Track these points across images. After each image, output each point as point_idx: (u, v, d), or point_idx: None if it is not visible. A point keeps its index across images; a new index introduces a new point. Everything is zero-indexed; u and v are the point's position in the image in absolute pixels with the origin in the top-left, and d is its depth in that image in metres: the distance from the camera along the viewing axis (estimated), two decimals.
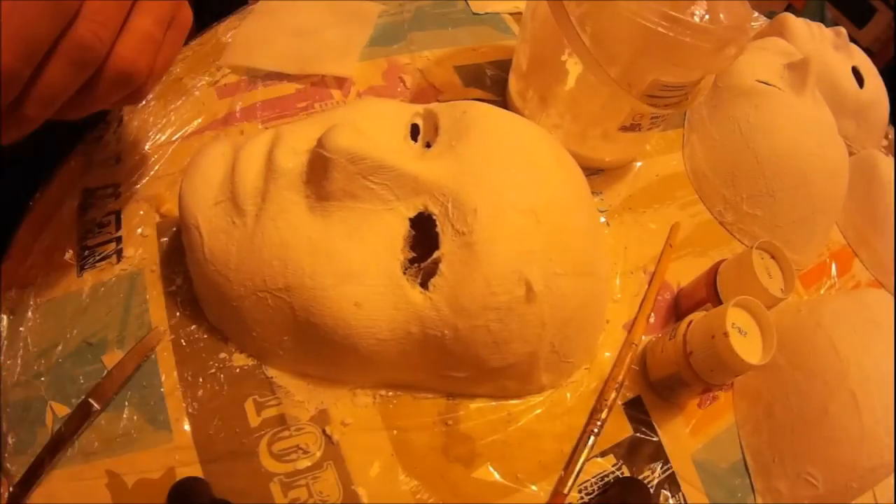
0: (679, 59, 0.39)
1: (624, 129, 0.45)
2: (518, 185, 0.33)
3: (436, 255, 0.32)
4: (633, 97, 0.40)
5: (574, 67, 0.43)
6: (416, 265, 0.33)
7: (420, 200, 0.33)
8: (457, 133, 0.35)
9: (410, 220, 0.33)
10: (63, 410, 0.33)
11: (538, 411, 0.38)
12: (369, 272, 0.32)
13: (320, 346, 0.33)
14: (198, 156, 0.35)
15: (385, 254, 0.32)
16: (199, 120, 0.46)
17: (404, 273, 0.32)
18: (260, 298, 0.32)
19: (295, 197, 0.32)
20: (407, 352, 0.33)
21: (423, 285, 0.32)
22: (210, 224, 0.33)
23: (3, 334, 0.34)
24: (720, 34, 0.37)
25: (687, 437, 0.41)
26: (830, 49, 0.64)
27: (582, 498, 0.36)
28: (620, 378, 0.40)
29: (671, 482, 0.39)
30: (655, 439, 0.40)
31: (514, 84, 0.51)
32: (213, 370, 0.35)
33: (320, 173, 0.31)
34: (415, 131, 0.37)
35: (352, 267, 0.31)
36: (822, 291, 0.54)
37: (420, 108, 0.38)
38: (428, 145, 0.36)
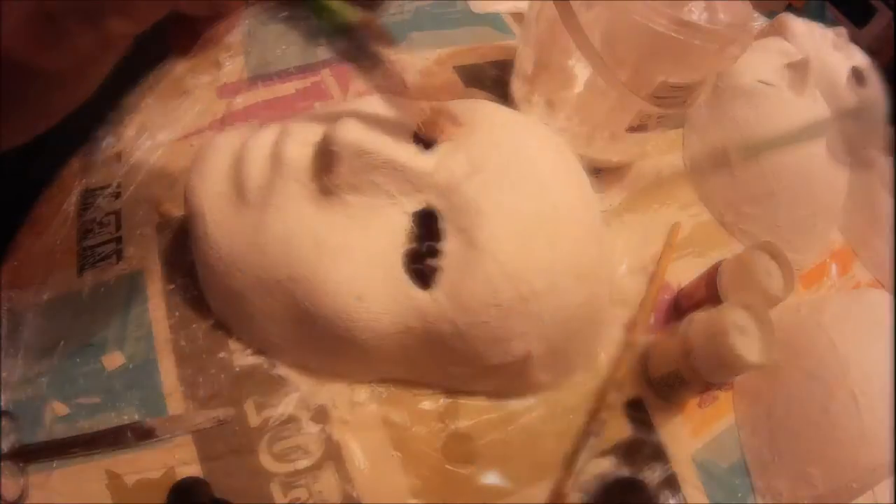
0: (687, 60, 0.39)
1: (631, 129, 0.45)
2: (522, 184, 0.33)
3: (438, 250, 0.32)
4: (642, 99, 0.40)
5: (582, 71, 0.43)
6: (418, 260, 0.33)
7: (424, 196, 0.33)
8: (463, 131, 0.35)
9: (414, 215, 0.33)
10: (63, 410, 0.33)
11: (538, 411, 0.38)
12: (372, 266, 0.32)
13: (321, 339, 0.33)
14: (206, 146, 0.35)
15: (388, 248, 0.32)
16: (199, 120, 0.46)
17: (407, 268, 0.32)
18: (263, 289, 0.33)
19: (300, 189, 0.32)
20: (407, 346, 0.33)
21: (426, 281, 0.32)
22: (216, 213, 0.33)
23: (3, 334, 0.34)
24: (726, 34, 0.37)
25: (687, 437, 0.41)
26: (830, 49, 0.64)
27: (582, 498, 0.36)
28: (620, 378, 0.40)
29: (671, 482, 0.39)
30: (655, 439, 0.40)
31: (518, 87, 0.51)
32: (213, 370, 0.35)
33: (326, 167, 0.31)
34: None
35: (354, 260, 0.32)
36: (822, 291, 0.54)
37: (427, 105, 0.38)
38: (435, 142, 0.36)
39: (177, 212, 0.40)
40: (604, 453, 0.38)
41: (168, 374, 0.35)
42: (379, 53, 0.30)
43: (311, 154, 0.32)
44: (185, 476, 0.32)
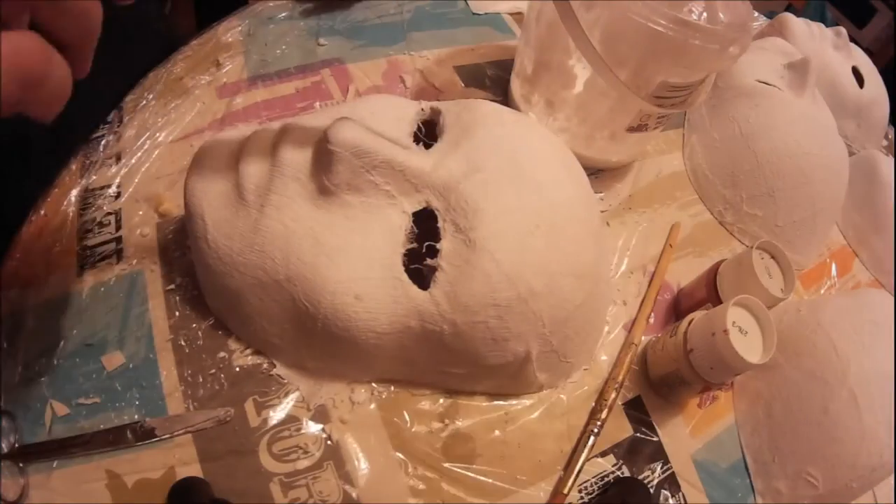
0: (687, 60, 0.39)
1: (631, 129, 0.45)
2: (521, 184, 0.33)
3: (437, 250, 0.32)
4: (642, 99, 0.40)
5: (582, 72, 0.43)
6: (417, 260, 0.33)
7: (423, 196, 0.33)
8: (462, 131, 0.35)
9: (413, 215, 0.33)
10: (63, 410, 0.33)
11: (538, 411, 0.38)
12: (370, 266, 0.32)
13: (320, 338, 0.33)
14: (205, 146, 0.35)
15: (386, 248, 0.32)
16: (199, 120, 0.46)
17: (405, 268, 0.32)
18: (262, 289, 0.33)
19: (299, 189, 0.32)
20: (406, 346, 0.33)
21: (425, 281, 0.32)
22: (215, 213, 0.33)
23: (3, 334, 0.34)
24: (726, 34, 0.37)
25: (687, 437, 0.41)
26: (830, 49, 0.64)
27: (582, 498, 0.36)
28: (620, 378, 0.40)
29: (671, 482, 0.39)
30: (655, 439, 0.40)
31: (517, 87, 0.51)
32: (213, 370, 0.35)
33: (325, 167, 0.31)
34: (420, 128, 0.37)
35: (353, 260, 0.32)
36: (822, 291, 0.54)
37: (426, 104, 0.38)
38: (434, 141, 0.36)
39: (177, 212, 0.40)
40: (604, 453, 0.38)
41: (168, 374, 0.35)
42: None
43: (310, 154, 0.32)
44: (185, 476, 0.32)
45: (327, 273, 0.31)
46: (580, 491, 0.36)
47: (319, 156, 0.32)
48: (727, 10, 0.39)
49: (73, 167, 0.42)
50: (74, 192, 0.40)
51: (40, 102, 0.20)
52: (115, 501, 0.31)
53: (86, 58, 0.21)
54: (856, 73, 0.65)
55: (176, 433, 0.33)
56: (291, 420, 0.35)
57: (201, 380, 0.35)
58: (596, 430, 0.38)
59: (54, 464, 0.31)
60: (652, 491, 0.38)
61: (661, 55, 0.39)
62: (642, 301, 0.45)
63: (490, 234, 0.31)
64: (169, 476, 0.32)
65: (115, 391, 0.34)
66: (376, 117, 0.35)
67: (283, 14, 0.55)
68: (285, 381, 0.35)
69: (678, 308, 0.46)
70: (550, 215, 0.33)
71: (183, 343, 0.36)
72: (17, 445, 0.31)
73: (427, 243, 0.33)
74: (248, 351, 0.36)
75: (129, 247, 0.39)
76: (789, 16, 0.66)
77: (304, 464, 0.33)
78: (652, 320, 0.44)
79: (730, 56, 0.39)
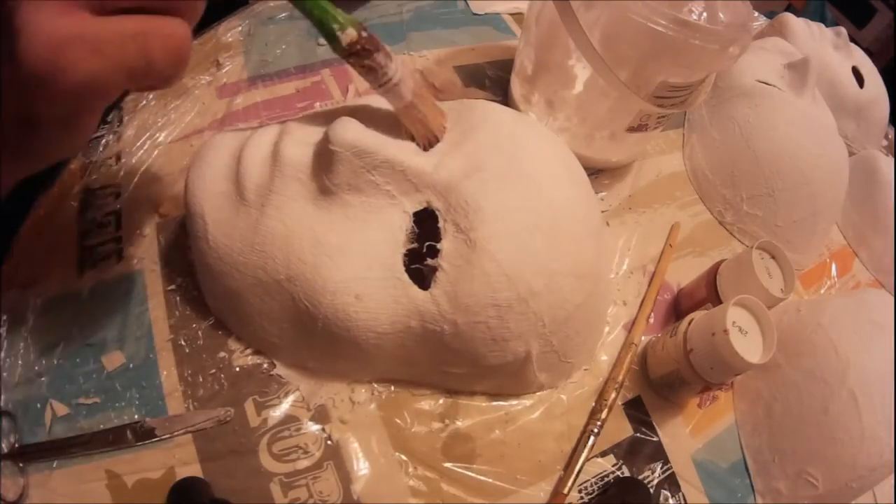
0: (687, 60, 0.39)
1: (631, 129, 0.45)
2: (521, 184, 0.33)
3: (437, 250, 0.32)
4: (642, 99, 0.40)
5: (582, 72, 0.43)
6: (418, 260, 0.33)
7: (423, 196, 0.33)
8: (462, 131, 0.35)
9: (413, 215, 0.33)
10: (63, 410, 0.33)
11: (538, 411, 0.38)
12: (371, 265, 0.32)
13: (320, 338, 0.33)
14: (205, 146, 0.35)
15: (387, 248, 0.32)
16: (199, 120, 0.46)
17: (406, 268, 0.32)
18: (262, 289, 0.33)
19: (299, 189, 0.32)
20: (406, 346, 0.33)
21: (425, 281, 0.32)
22: (215, 213, 0.33)
23: (3, 334, 0.34)
24: (726, 34, 0.37)
25: (687, 437, 0.41)
26: (830, 49, 0.64)
27: (582, 498, 0.36)
28: (620, 378, 0.40)
29: (671, 482, 0.39)
30: (655, 439, 0.40)
31: (517, 87, 0.51)
32: (213, 370, 0.35)
33: (325, 166, 0.31)
34: None
35: (353, 260, 0.32)
36: (822, 291, 0.54)
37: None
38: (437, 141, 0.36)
39: (177, 212, 0.40)
40: (604, 453, 0.38)
41: (168, 374, 0.35)
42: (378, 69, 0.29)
43: (311, 154, 0.32)
44: (185, 476, 0.32)
45: (328, 273, 0.31)
46: (580, 491, 0.36)
47: (320, 156, 0.32)
48: (727, 10, 0.39)
49: (73, 167, 0.42)
50: (74, 192, 0.40)
51: (178, 78, 0.24)
52: (115, 501, 0.31)
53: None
54: (856, 73, 0.65)
55: (176, 433, 0.33)
56: (291, 420, 0.35)
57: (201, 380, 0.35)
58: (596, 430, 0.38)
59: (54, 464, 0.31)
60: (652, 491, 0.38)
61: (661, 55, 0.39)
62: (642, 301, 0.45)
63: (490, 234, 0.31)
64: (169, 476, 0.32)
65: (115, 391, 0.34)
66: (377, 117, 0.35)
67: (283, 14, 0.55)
68: (285, 381, 0.35)
69: (678, 308, 0.46)
70: (550, 215, 0.33)
71: (183, 343, 0.36)
72: (17, 445, 0.31)
73: (427, 243, 0.33)
74: (248, 351, 0.36)
75: (129, 247, 0.39)
76: (789, 16, 0.66)
77: (304, 464, 0.33)
78: (652, 320, 0.44)
79: (730, 56, 0.39)
